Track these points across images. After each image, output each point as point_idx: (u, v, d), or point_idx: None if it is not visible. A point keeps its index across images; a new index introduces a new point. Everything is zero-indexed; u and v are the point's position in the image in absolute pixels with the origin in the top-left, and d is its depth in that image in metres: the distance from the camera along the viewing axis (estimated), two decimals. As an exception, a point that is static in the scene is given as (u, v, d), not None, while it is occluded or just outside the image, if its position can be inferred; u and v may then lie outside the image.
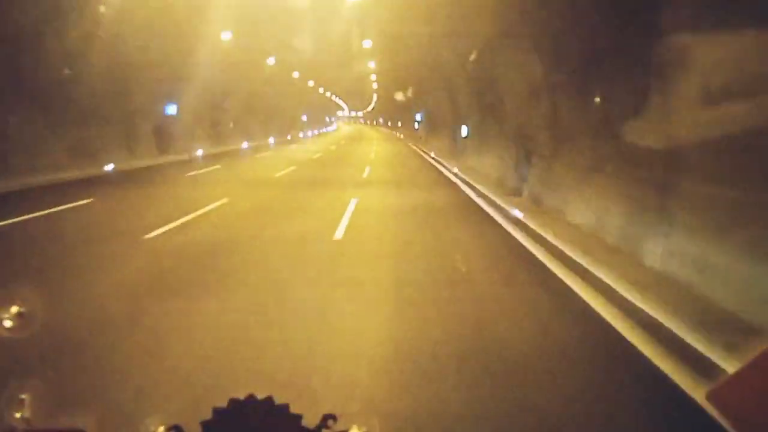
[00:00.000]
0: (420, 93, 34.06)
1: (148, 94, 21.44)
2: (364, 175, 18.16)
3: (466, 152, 21.40)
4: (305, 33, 24.98)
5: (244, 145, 33.58)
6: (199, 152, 26.13)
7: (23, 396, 1.08)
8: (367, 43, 21.44)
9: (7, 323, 1.21)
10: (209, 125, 30.09)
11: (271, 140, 39.92)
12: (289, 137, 45.96)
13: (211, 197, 11.85)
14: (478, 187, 14.21)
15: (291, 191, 14.05)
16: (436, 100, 29.25)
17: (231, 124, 34.08)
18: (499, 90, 14.44)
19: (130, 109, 20.82)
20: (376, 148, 34.80)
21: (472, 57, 16.47)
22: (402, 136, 51.68)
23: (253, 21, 21.75)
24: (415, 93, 36.36)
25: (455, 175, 17.75)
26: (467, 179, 15.95)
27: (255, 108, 37.23)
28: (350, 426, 1.05)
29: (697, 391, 3.41)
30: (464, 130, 22.06)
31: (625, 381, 3.81)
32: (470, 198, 13.11)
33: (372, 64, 31.30)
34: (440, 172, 19.32)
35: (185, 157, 23.53)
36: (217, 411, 1.02)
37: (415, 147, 34.85)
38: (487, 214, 10.81)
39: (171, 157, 22.76)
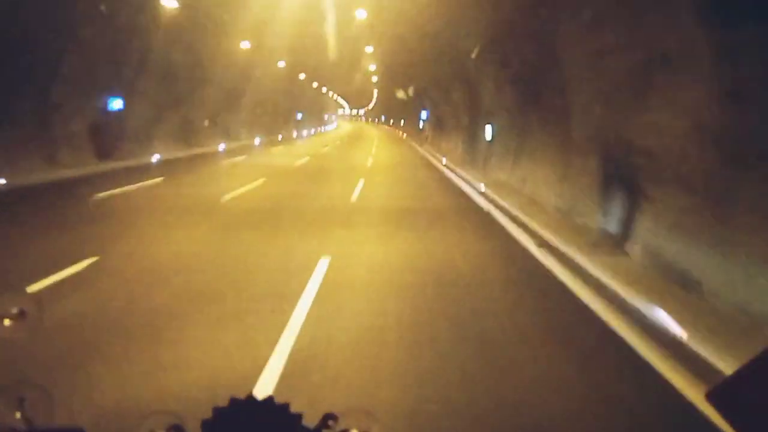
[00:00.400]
0: (425, 86, 28.64)
1: (78, 84, 16.17)
2: (353, 197, 12.51)
3: (490, 161, 16.06)
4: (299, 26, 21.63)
5: (221, 147, 28.59)
6: (156, 157, 21.01)
7: (23, 395, 1.06)
8: (363, 14, 16.31)
9: None
10: (179, 123, 24.95)
11: (257, 141, 34.85)
12: (280, 137, 40.79)
13: (71, 255, 6.57)
14: (533, 225, 8.80)
15: (224, 237, 8.41)
16: (445, 93, 23.89)
17: (206, 122, 28.97)
18: (564, 68, 9.03)
19: (48, 102, 15.62)
20: (375, 152, 29.20)
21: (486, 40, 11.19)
22: (405, 135, 46.51)
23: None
24: (419, 87, 31.13)
25: (485, 196, 12.31)
26: (507, 207, 10.53)
27: (240, 104, 32.17)
28: (351, 426, 1.04)
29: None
30: (489, 132, 16.70)
31: None
32: (530, 254, 7.56)
33: (370, 49, 26.29)
34: (462, 193, 13.78)
35: (128, 164, 18.19)
36: (217, 410, 0.99)
37: (421, 150, 29.55)
38: (593, 316, 5.20)
39: (111, 165, 17.56)
